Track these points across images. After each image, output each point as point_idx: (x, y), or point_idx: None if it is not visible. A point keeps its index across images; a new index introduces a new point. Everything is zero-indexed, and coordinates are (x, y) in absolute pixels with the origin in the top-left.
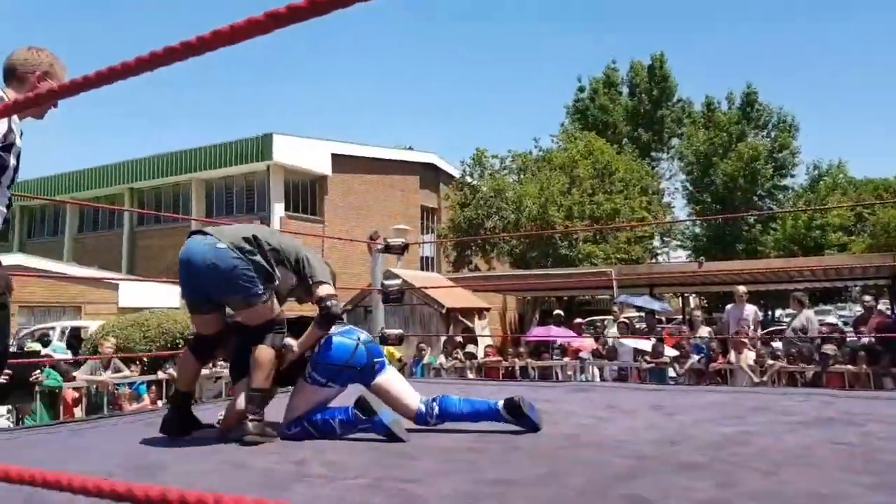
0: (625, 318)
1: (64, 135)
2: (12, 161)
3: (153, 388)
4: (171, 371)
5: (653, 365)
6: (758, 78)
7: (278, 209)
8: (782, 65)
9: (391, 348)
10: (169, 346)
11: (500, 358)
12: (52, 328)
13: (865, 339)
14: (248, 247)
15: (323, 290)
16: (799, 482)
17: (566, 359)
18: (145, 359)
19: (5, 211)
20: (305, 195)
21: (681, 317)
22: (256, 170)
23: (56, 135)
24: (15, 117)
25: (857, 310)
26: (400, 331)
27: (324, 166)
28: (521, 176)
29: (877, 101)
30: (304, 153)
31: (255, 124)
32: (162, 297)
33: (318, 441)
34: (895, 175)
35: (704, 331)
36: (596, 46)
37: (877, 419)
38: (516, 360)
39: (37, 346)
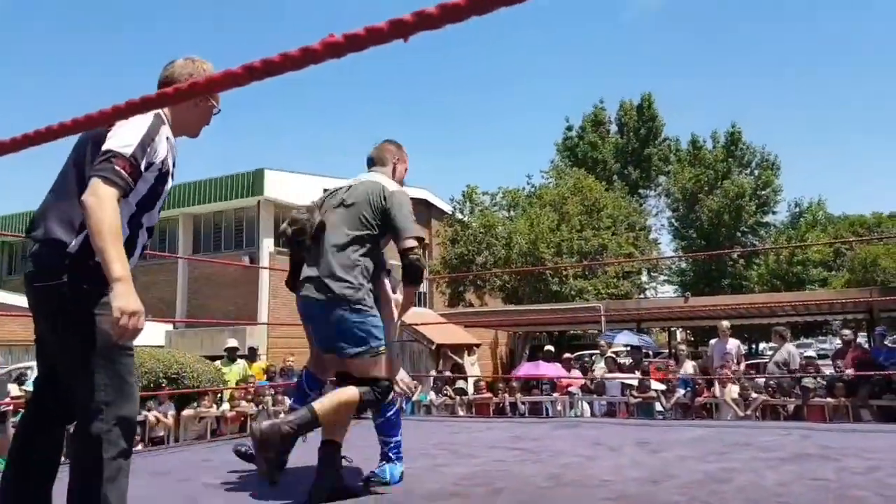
0: (612, 352)
1: (47, 168)
2: (166, 188)
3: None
4: (155, 413)
5: (640, 399)
6: (742, 118)
7: (268, 244)
8: (765, 105)
9: None
10: (152, 386)
11: (490, 394)
12: (30, 367)
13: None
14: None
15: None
16: None
17: (555, 394)
18: None
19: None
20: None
21: (668, 351)
22: (247, 205)
23: (37, 168)
24: (172, 138)
25: (837, 343)
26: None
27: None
28: (512, 212)
29: (854, 141)
30: (295, 188)
31: (245, 160)
32: (146, 335)
33: (303, 480)
34: (871, 212)
35: (690, 365)
36: (586, 85)
37: (852, 453)
38: (506, 395)
39: (13, 388)
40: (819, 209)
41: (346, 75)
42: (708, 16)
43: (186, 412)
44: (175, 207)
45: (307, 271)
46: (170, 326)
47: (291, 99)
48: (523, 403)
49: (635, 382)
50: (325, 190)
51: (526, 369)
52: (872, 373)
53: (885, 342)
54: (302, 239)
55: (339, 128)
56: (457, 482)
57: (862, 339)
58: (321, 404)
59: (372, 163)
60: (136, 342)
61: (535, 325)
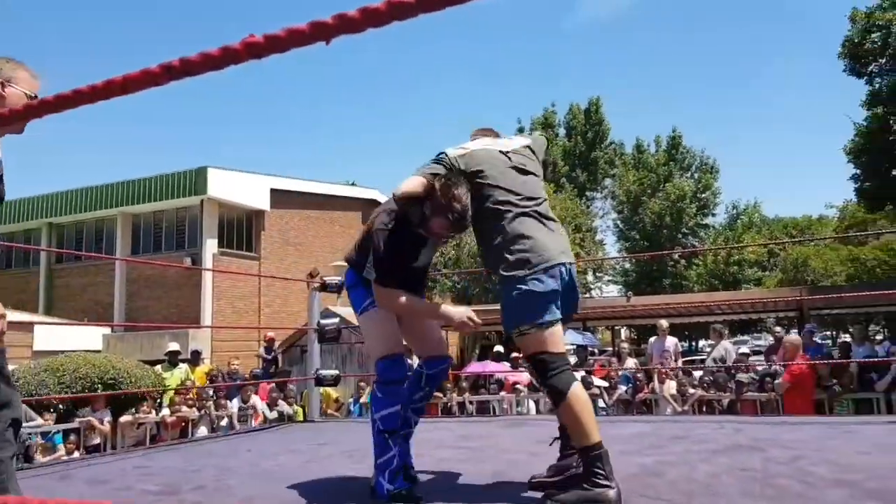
0: None
1: None
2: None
3: (70, 437)
4: (92, 419)
5: None
6: (682, 123)
7: (211, 245)
8: (705, 111)
9: (328, 389)
10: (87, 391)
11: (438, 393)
12: None
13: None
14: None
15: None
16: None
17: (503, 393)
18: (60, 406)
19: None
20: (241, 231)
21: (611, 349)
22: (189, 204)
23: None
24: None
25: (771, 340)
26: (336, 371)
27: (261, 201)
28: None
29: (787, 146)
30: (240, 188)
31: (188, 158)
32: (81, 339)
33: (245, 486)
34: (802, 215)
35: (631, 362)
36: (537, 88)
37: (779, 444)
38: (454, 395)
39: None
40: (755, 211)
41: (294, 74)
42: (654, 23)
43: (124, 418)
44: (113, 207)
45: (553, 234)
46: (107, 330)
47: (237, 96)
48: (471, 403)
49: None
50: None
51: (473, 369)
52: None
53: (814, 339)
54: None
55: (285, 126)
56: None
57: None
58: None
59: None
60: (71, 346)
61: (484, 326)
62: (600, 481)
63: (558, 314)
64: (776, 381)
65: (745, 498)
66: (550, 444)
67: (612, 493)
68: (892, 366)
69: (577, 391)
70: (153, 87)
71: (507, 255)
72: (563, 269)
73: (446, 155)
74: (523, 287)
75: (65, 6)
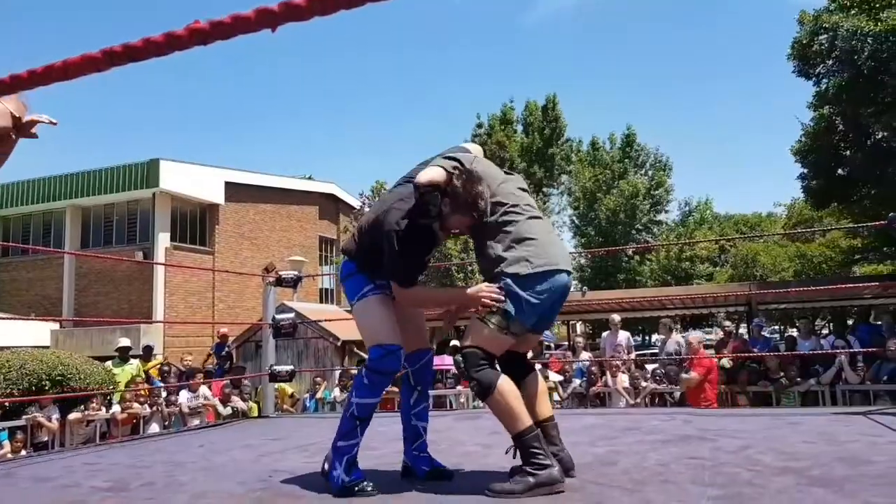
0: None
1: None
2: None
3: (17, 435)
4: (39, 416)
5: None
6: (636, 121)
7: (163, 239)
8: (660, 110)
9: (283, 385)
10: (34, 389)
11: (395, 388)
12: None
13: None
14: None
15: None
16: (658, 499)
17: (459, 387)
18: (6, 403)
19: None
20: (194, 225)
21: (567, 343)
22: (141, 197)
23: None
24: None
25: (721, 334)
26: (290, 367)
27: (216, 195)
28: None
29: (738, 145)
30: (194, 181)
31: (141, 150)
32: (28, 335)
33: (196, 482)
34: (752, 212)
35: (586, 356)
36: (495, 84)
37: (727, 434)
38: None
39: None
40: (706, 208)
41: (247, 65)
42: (609, 22)
43: (73, 415)
44: (62, 199)
45: (557, 241)
46: (55, 326)
47: (191, 89)
48: None
49: None
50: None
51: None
52: (747, 355)
53: (762, 333)
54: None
55: (240, 120)
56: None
57: (743, 330)
58: None
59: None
60: (18, 342)
61: (441, 320)
62: (542, 461)
63: (528, 326)
64: (682, 376)
65: (695, 485)
66: (506, 453)
67: (555, 470)
68: (836, 359)
69: (503, 384)
70: (95, 72)
71: (511, 254)
72: (564, 276)
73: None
74: (516, 287)
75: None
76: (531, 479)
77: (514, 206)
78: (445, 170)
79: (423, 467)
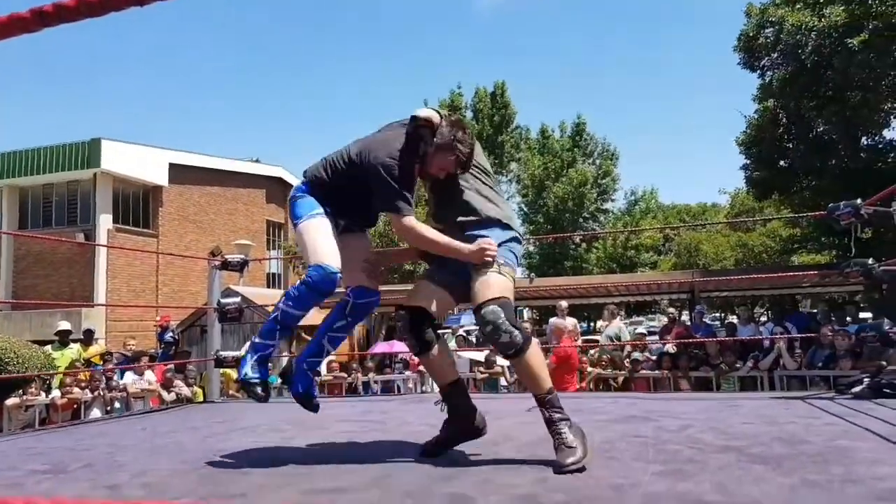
0: (464, 331)
1: None
2: None
3: None
4: None
5: (486, 375)
6: (586, 110)
7: (105, 221)
8: (608, 101)
9: (228, 370)
10: None
11: (344, 374)
12: None
13: (667, 347)
14: None
15: None
16: (602, 474)
17: (407, 372)
18: None
19: None
20: (137, 207)
21: None
22: (81, 178)
23: None
24: None
25: (665, 320)
26: (238, 352)
27: (159, 176)
28: None
29: (685, 136)
30: (136, 161)
31: (81, 129)
32: None
33: (138, 462)
34: (696, 202)
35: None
36: (445, 69)
37: (670, 416)
38: (359, 375)
39: None
40: (651, 198)
41: (197, 39)
42: (557, 9)
43: (11, 401)
44: None
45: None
46: None
47: (134, 66)
48: (376, 382)
49: (482, 358)
50: None
51: (380, 348)
52: (689, 341)
53: (704, 320)
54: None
55: (184, 97)
56: (307, 452)
57: (685, 316)
58: None
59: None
60: None
61: (391, 306)
62: (566, 415)
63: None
64: None
65: (639, 461)
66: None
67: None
68: (774, 345)
69: (534, 343)
70: (24, 33)
71: (500, 212)
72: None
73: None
74: (513, 241)
75: None
76: (577, 438)
77: (486, 168)
78: (439, 113)
79: (300, 383)
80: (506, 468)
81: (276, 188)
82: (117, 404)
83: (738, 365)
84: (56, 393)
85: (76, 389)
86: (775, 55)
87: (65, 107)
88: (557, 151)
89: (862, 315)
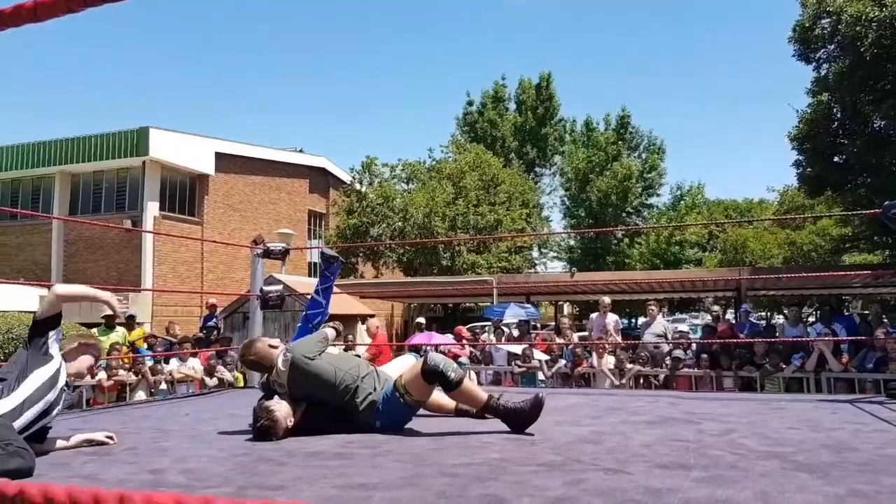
0: (503, 324)
1: None
2: None
3: None
4: None
5: (524, 369)
6: (631, 103)
7: (152, 208)
8: (655, 91)
9: None
10: None
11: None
12: None
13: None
14: None
15: None
16: (640, 478)
17: None
18: None
19: None
20: (184, 194)
21: (554, 323)
22: (130, 165)
23: None
24: None
25: (709, 318)
26: (278, 339)
27: (206, 165)
28: (410, 185)
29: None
30: (184, 150)
31: (132, 117)
32: (17, 299)
33: (180, 448)
34: (743, 198)
35: (575, 337)
36: (488, 61)
37: (712, 418)
38: None
39: None
40: (698, 193)
41: (245, 34)
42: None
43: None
44: (51, 165)
45: None
46: (44, 291)
47: (184, 56)
48: None
49: (519, 352)
50: None
51: (418, 339)
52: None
53: (749, 318)
54: None
55: (233, 89)
56: (343, 445)
57: (730, 314)
58: None
59: None
60: (6, 307)
61: (429, 297)
62: None
63: None
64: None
65: (679, 467)
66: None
67: None
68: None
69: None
70: (67, 13)
71: None
72: None
73: None
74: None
75: None
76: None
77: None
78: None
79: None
80: (540, 469)
81: (319, 179)
82: (163, 386)
83: (782, 366)
84: (102, 374)
85: (121, 371)
86: (832, 47)
87: (116, 95)
88: (602, 144)
89: None
